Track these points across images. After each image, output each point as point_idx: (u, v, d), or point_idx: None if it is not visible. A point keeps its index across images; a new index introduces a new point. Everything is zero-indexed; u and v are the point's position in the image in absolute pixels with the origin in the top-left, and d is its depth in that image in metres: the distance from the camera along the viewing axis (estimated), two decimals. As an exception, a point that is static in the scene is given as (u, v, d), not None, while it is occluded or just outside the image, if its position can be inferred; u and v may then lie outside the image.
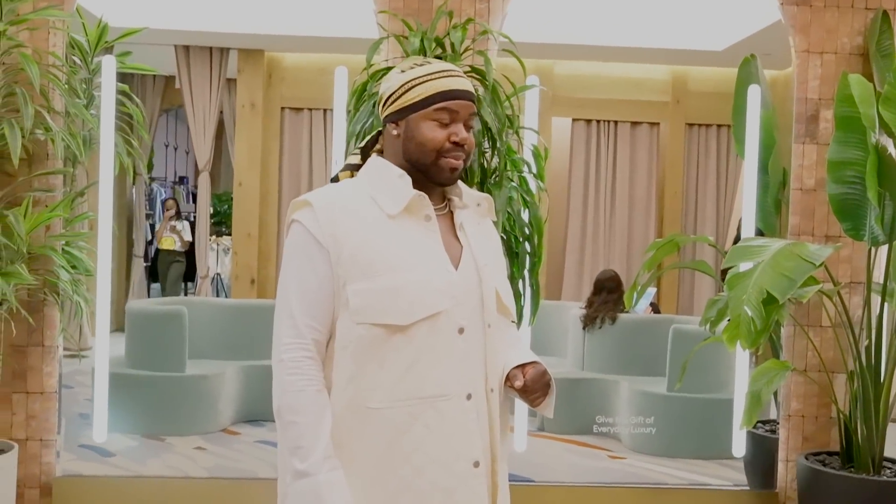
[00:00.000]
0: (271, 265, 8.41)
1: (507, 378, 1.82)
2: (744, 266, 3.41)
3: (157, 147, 12.67)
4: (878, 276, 3.93)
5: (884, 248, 3.77)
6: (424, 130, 1.78)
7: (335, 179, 1.89)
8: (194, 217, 9.83)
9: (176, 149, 14.61)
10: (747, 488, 4.36)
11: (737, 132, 4.59)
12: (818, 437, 4.11)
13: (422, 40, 3.42)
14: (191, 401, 5.59)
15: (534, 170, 3.63)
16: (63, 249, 3.84)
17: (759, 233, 4.55)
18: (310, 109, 8.50)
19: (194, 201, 10.41)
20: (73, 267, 3.84)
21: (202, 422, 5.60)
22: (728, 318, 3.28)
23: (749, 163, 4.43)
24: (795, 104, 4.11)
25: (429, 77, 1.78)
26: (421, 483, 1.72)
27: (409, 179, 1.79)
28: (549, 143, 4.50)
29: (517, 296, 3.51)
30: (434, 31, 3.50)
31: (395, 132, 1.81)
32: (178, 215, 10.31)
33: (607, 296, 6.13)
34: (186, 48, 8.50)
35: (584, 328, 6.16)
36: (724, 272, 3.50)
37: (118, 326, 7.22)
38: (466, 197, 1.88)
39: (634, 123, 8.65)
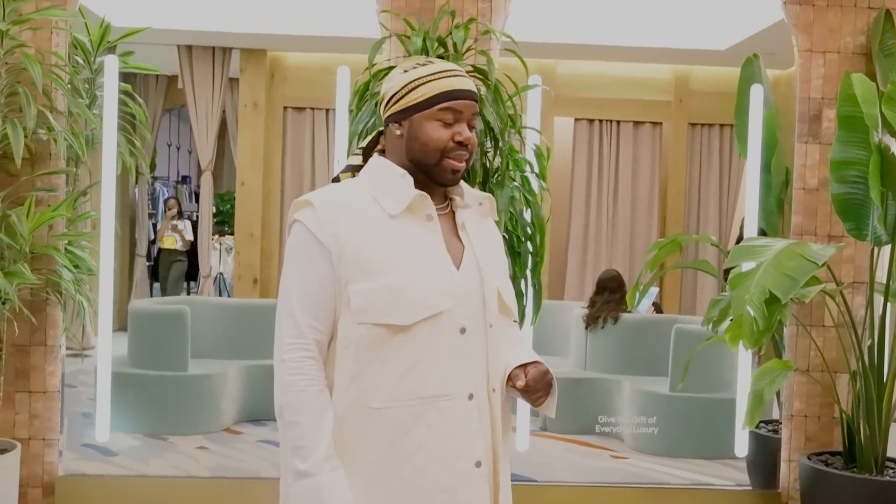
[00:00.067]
0: (274, 265, 8.41)
1: (509, 378, 1.82)
2: (746, 266, 3.41)
3: (160, 147, 12.68)
4: (881, 275, 3.93)
5: (886, 248, 3.76)
6: (429, 130, 1.77)
7: (336, 180, 1.89)
8: (197, 216, 9.84)
9: (178, 148, 14.62)
10: (750, 488, 4.36)
11: (739, 132, 4.58)
12: (821, 437, 4.11)
13: (424, 40, 3.41)
14: (193, 400, 5.60)
15: (536, 169, 3.63)
16: (66, 249, 3.84)
17: (762, 232, 4.55)
18: (312, 109, 8.51)
19: (197, 201, 10.43)
20: (76, 266, 3.85)
21: (205, 421, 5.60)
22: (730, 318, 3.27)
23: (752, 162, 4.42)
24: (798, 104, 4.10)
25: (433, 77, 1.77)
26: (423, 483, 1.72)
27: (410, 179, 1.79)
28: (552, 143, 4.50)
29: (519, 295, 3.51)
30: (436, 30, 3.50)
31: (398, 132, 1.81)
32: (179, 214, 10.31)
33: (610, 295, 6.13)
34: (189, 48, 8.50)
35: (586, 328, 6.16)
36: (727, 272, 3.50)
37: (121, 326, 7.24)
38: (468, 196, 1.87)
39: (637, 123, 8.65)
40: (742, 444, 4.39)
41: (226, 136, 9.59)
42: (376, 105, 3.25)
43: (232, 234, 10.38)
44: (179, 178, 14.57)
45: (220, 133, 8.88)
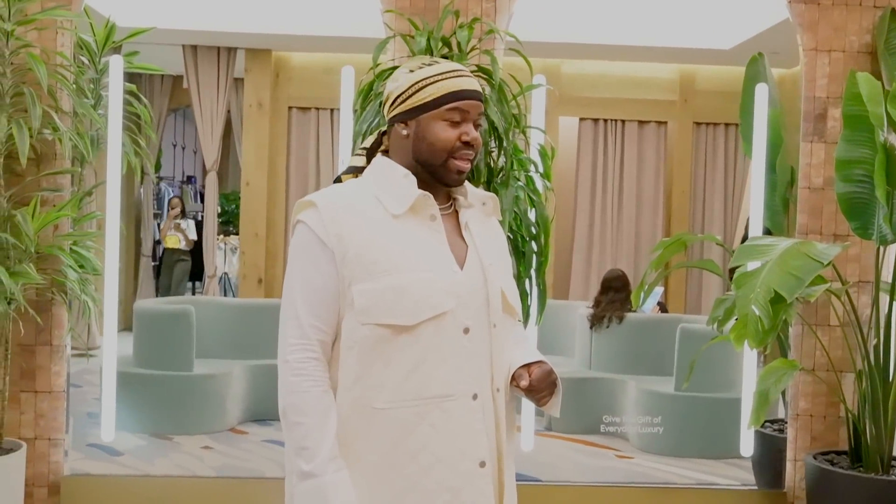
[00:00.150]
0: (279, 265, 8.41)
1: (513, 377, 1.82)
2: (751, 265, 3.41)
3: (165, 147, 12.68)
4: (887, 275, 3.92)
5: (892, 247, 3.76)
6: (436, 130, 1.77)
7: (338, 181, 1.89)
8: (202, 216, 9.84)
9: (184, 148, 14.64)
10: (755, 488, 4.35)
11: (744, 131, 4.58)
12: (826, 436, 4.10)
13: (428, 39, 3.41)
14: (198, 400, 5.60)
15: (540, 169, 3.63)
16: (71, 249, 3.85)
17: (767, 232, 4.54)
18: (317, 109, 8.50)
19: (202, 201, 10.43)
20: (81, 266, 3.85)
21: (210, 421, 5.61)
22: (736, 318, 3.27)
23: (757, 161, 4.42)
24: (803, 103, 4.10)
25: (439, 77, 1.77)
26: (427, 483, 1.72)
27: (414, 179, 1.79)
28: (556, 143, 4.49)
29: (524, 295, 3.51)
30: (440, 30, 3.50)
31: (404, 132, 1.80)
32: (183, 214, 10.32)
33: (614, 295, 6.12)
34: (194, 48, 8.51)
35: (591, 327, 6.16)
36: (732, 271, 3.49)
37: (126, 326, 7.24)
38: (472, 196, 1.87)
39: (642, 122, 8.63)
40: (748, 444, 4.38)
41: (231, 136, 9.59)
42: (380, 105, 3.25)
43: (237, 233, 10.38)
44: (184, 178, 14.58)
45: (224, 133, 8.88)
